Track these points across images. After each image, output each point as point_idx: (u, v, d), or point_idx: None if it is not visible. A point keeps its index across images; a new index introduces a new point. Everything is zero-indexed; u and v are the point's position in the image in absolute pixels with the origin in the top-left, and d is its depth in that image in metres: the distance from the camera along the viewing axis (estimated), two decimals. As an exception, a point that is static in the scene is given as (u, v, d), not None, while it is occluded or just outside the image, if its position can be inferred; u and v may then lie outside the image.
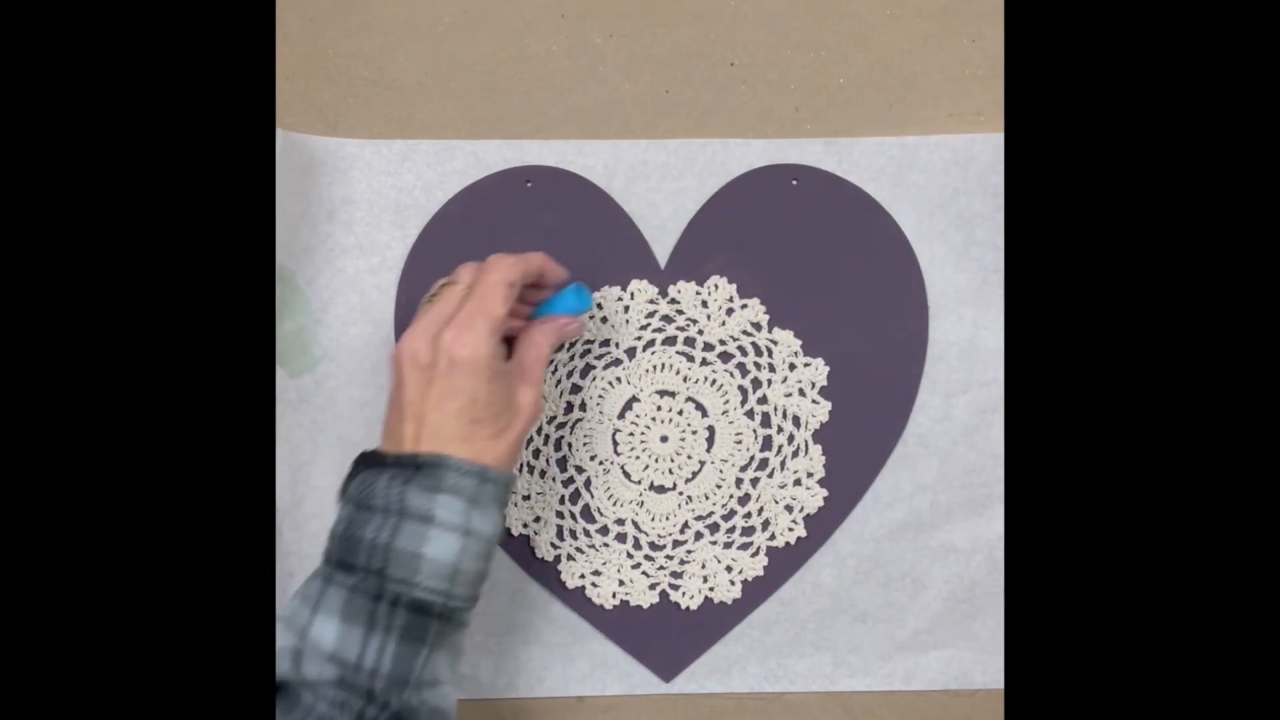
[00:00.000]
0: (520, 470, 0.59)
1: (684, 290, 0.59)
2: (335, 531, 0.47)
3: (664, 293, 0.59)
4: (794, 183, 0.59)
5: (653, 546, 0.59)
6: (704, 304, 0.59)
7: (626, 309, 0.59)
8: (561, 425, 0.59)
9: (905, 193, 0.59)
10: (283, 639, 0.45)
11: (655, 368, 0.59)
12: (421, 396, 0.47)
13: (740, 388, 0.59)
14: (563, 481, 0.59)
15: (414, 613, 0.45)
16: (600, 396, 0.59)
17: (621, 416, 0.59)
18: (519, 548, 0.59)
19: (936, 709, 0.60)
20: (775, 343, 0.59)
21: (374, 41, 0.59)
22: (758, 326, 0.59)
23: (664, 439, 0.59)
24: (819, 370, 0.59)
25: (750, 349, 0.59)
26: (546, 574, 0.59)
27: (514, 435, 0.49)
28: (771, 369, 0.59)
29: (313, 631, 0.45)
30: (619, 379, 0.59)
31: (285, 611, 0.46)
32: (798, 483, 0.59)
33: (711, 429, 0.59)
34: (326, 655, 0.44)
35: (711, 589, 0.59)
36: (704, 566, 0.59)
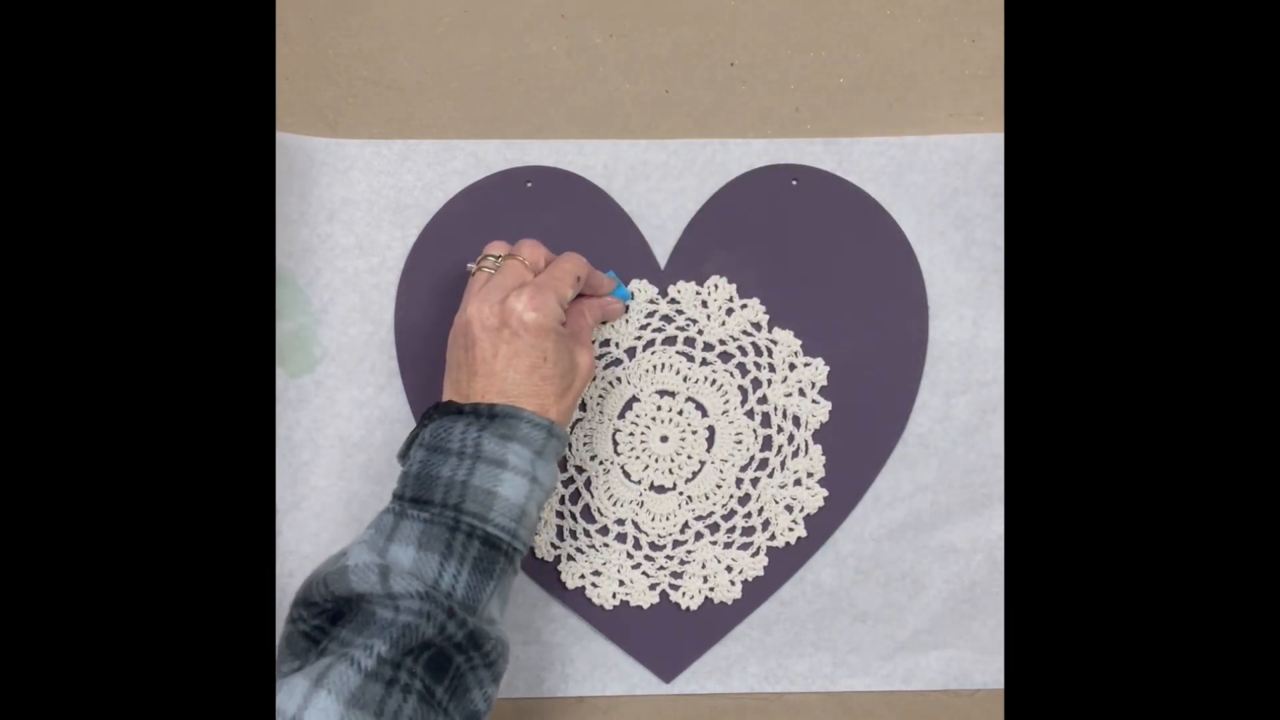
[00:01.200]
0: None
1: (684, 290, 0.59)
2: (409, 472, 0.49)
3: (664, 293, 0.59)
4: (794, 183, 0.59)
5: (653, 546, 0.59)
6: (704, 304, 0.59)
7: (626, 309, 0.59)
8: (561, 425, 0.59)
9: (905, 193, 0.59)
10: (364, 556, 0.47)
11: (655, 368, 0.59)
12: (494, 355, 0.50)
13: (740, 388, 0.59)
14: (563, 481, 0.59)
15: (486, 546, 0.47)
16: (600, 396, 0.59)
17: (621, 416, 0.59)
18: (519, 548, 0.59)
19: (936, 709, 0.60)
20: (775, 343, 0.59)
21: (374, 41, 0.59)
22: (758, 326, 0.59)
23: (664, 439, 0.59)
24: (819, 370, 0.59)
25: (750, 349, 0.59)
26: (546, 574, 0.59)
27: (574, 393, 0.53)
28: (771, 369, 0.59)
29: (389, 557, 0.47)
30: (619, 379, 0.59)
31: (363, 536, 0.48)
32: (798, 483, 0.59)
33: (711, 429, 0.59)
34: (407, 574, 0.46)
35: (711, 589, 0.59)
36: (704, 566, 0.59)
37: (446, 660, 0.46)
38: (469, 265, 0.55)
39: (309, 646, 0.46)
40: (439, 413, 0.50)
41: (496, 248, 0.54)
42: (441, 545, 0.47)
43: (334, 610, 0.47)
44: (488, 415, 0.49)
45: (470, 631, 0.46)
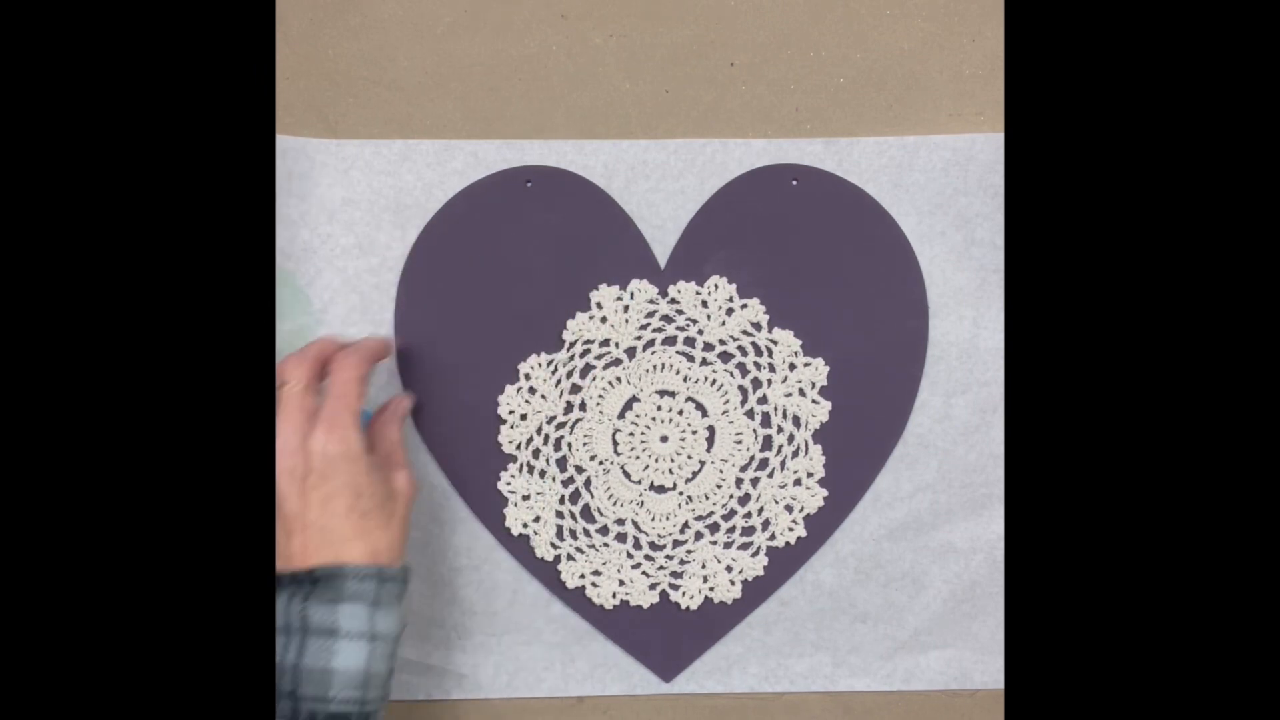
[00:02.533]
0: (520, 470, 0.59)
1: (684, 290, 0.59)
2: None
3: (664, 292, 0.59)
4: (794, 182, 0.59)
5: (653, 546, 0.59)
6: (704, 304, 0.59)
7: (626, 309, 0.59)
8: (561, 425, 0.59)
9: (905, 193, 0.59)
10: None
11: (655, 368, 0.59)
12: (305, 506, 0.48)
13: (740, 388, 0.59)
14: (563, 481, 0.59)
15: None
16: (600, 396, 0.59)
17: (621, 416, 0.59)
18: (519, 547, 0.59)
19: (936, 709, 0.60)
20: (775, 343, 0.59)
21: (374, 41, 0.59)
22: (758, 326, 0.59)
23: (664, 439, 0.59)
24: (819, 370, 0.59)
25: (750, 349, 0.59)
26: (546, 574, 0.59)
27: (400, 519, 0.50)
28: (771, 369, 0.59)
29: None
30: (619, 379, 0.59)
31: None
32: (798, 483, 0.59)
33: (711, 429, 0.59)
34: None
35: (711, 589, 0.59)
36: (704, 566, 0.59)
37: None
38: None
39: None
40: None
41: (292, 371, 0.50)
42: None
43: None
44: (309, 581, 0.47)
45: None
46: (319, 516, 0.48)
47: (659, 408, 0.59)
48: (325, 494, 0.48)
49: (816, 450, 0.59)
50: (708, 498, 0.59)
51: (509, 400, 0.59)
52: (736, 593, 0.59)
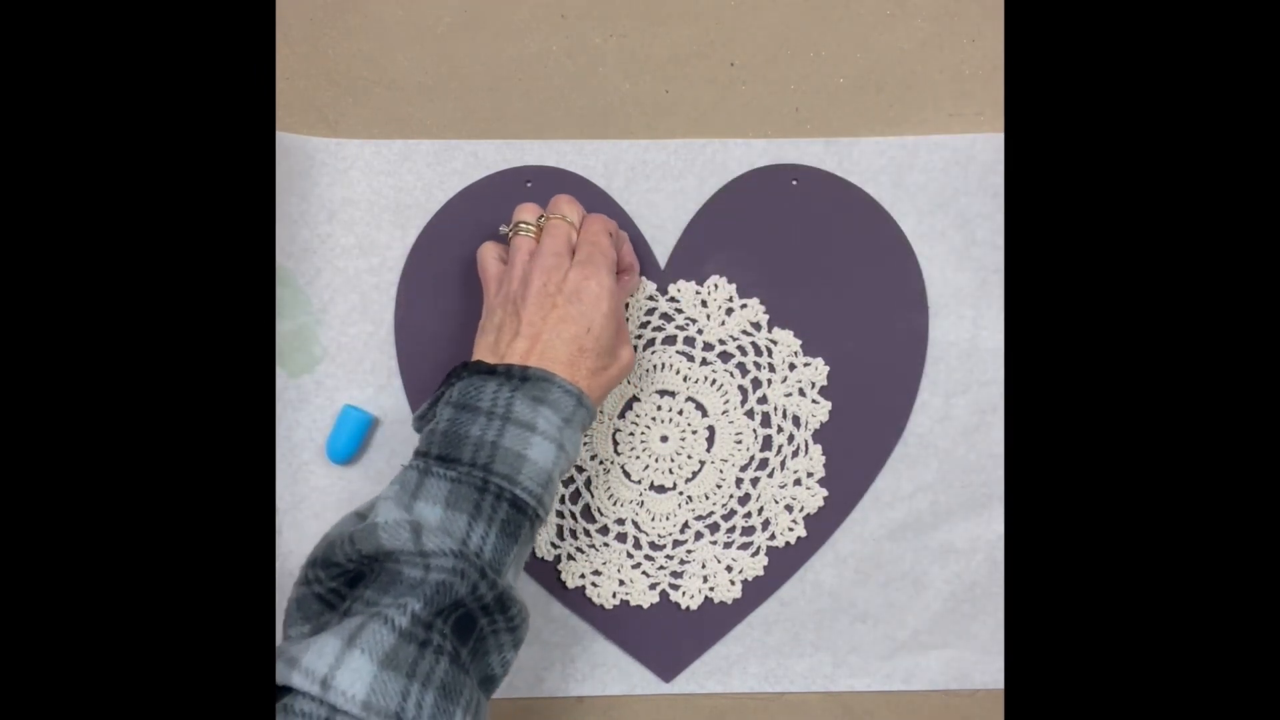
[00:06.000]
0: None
1: (684, 290, 0.59)
2: (435, 429, 0.48)
3: (664, 291, 0.59)
4: (794, 183, 0.59)
5: (653, 546, 0.59)
6: (704, 304, 0.59)
7: (626, 308, 0.59)
8: (561, 425, 0.59)
9: (905, 193, 0.59)
10: (393, 514, 0.46)
11: (655, 367, 0.59)
12: (543, 319, 0.50)
13: (740, 387, 0.59)
14: (563, 481, 0.59)
15: (514, 509, 0.47)
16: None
17: (621, 416, 0.59)
18: (519, 548, 0.59)
19: (936, 709, 0.60)
20: (775, 342, 0.59)
21: (374, 41, 0.59)
22: (757, 326, 0.59)
23: (664, 439, 0.59)
24: (819, 370, 0.59)
25: (750, 349, 0.59)
26: (546, 574, 0.59)
27: (609, 377, 0.52)
28: (771, 369, 0.59)
29: (415, 514, 0.46)
30: (619, 379, 0.59)
31: (387, 493, 0.47)
32: (798, 482, 0.59)
33: (711, 429, 0.59)
34: (438, 531, 0.45)
35: (711, 589, 0.59)
36: (704, 566, 0.59)
37: (473, 622, 0.45)
38: (502, 228, 0.55)
39: (322, 609, 0.45)
40: (468, 372, 0.50)
41: (529, 212, 0.54)
42: (470, 505, 0.46)
43: (354, 572, 0.45)
44: (520, 377, 0.48)
45: (499, 594, 0.45)
46: (550, 332, 0.50)
47: (659, 407, 0.59)
48: (563, 315, 0.50)
49: (816, 450, 0.59)
50: (708, 498, 0.59)
51: (509, 400, 0.58)
52: (736, 593, 0.59)
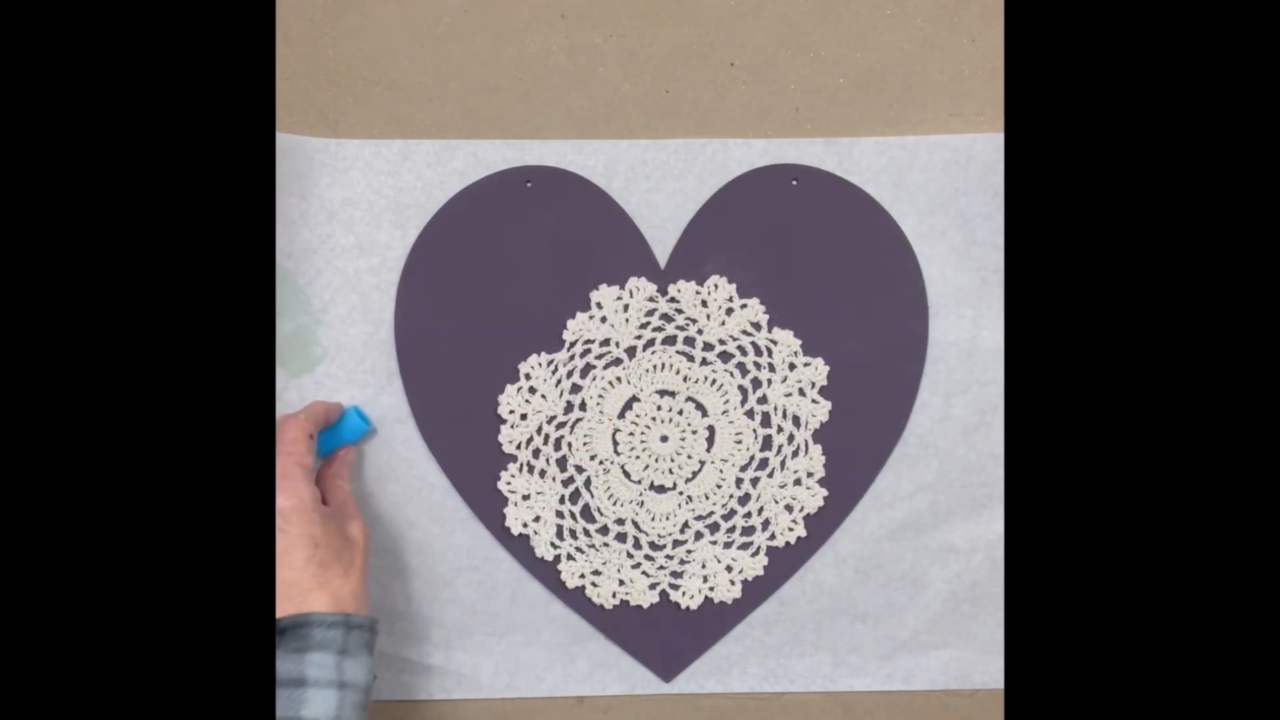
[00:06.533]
0: (520, 470, 0.59)
1: (684, 290, 0.59)
2: None
3: (664, 292, 0.59)
4: (794, 183, 0.59)
5: (653, 546, 0.59)
6: (704, 304, 0.59)
7: (626, 308, 0.59)
8: (561, 425, 0.59)
9: (905, 193, 0.59)
10: None
11: (655, 367, 0.59)
12: (279, 563, 0.49)
13: (740, 387, 0.59)
14: (563, 481, 0.59)
15: None
16: (600, 396, 0.59)
17: (621, 416, 0.59)
18: (519, 547, 0.59)
19: (936, 709, 0.60)
20: (775, 343, 0.59)
21: (374, 41, 0.59)
22: (757, 326, 0.59)
23: (664, 439, 0.59)
24: (819, 370, 0.59)
25: (750, 349, 0.59)
26: (546, 574, 0.59)
27: (359, 568, 0.51)
28: (771, 369, 0.59)
29: None
30: (619, 379, 0.59)
31: None
32: (798, 482, 0.59)
33: (711, 429, 0.59)
34: None
35: (711, 589, 0.59)
36: (704, 566, 0.59)
37: None
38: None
39: None
40: None
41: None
42: None
43: None
44: (277, 632, 0.47)
45: None
46: (281, 569, 0.48)
47: (659, 407, 0.59)
48: (283, 547, 0.49)
49: (816, 450, 0.59)
50: (708, 498, 0.59)
51: (509, 400, 0.59)
52: (736, 593, 0.59)
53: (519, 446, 0.59)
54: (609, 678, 0.59)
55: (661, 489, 0.59)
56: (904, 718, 0.60)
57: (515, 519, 0.59)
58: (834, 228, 0.59)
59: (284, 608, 0.48)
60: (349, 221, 0.59)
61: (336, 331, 0.59)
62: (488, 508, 0.59)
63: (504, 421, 0.59)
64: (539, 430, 0.59)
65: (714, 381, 0.59)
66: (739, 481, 0.59)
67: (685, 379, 0.59)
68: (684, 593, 0.59)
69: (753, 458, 0.59)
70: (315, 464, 0.54)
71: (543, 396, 0.58)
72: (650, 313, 0.59)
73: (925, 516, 0.59)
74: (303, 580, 0.48)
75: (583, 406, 0.59)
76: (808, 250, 0.59)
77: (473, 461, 0.59)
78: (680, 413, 0.59)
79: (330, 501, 0.53)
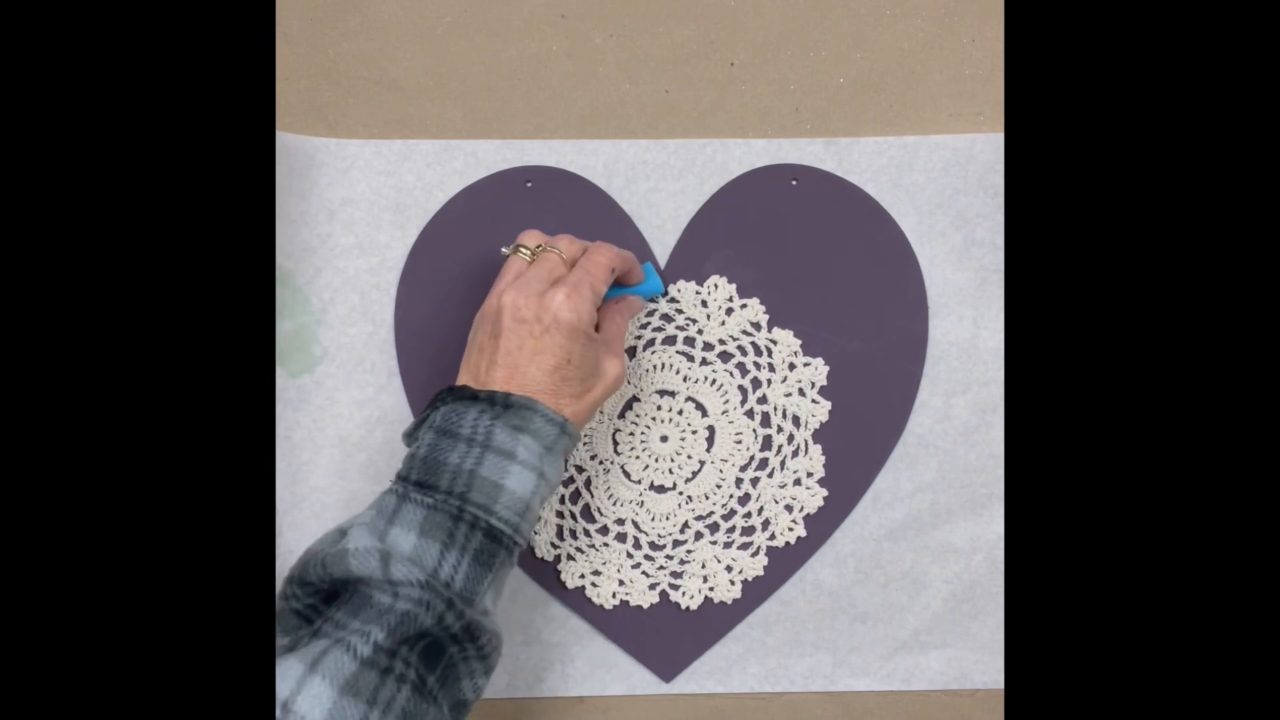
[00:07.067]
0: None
1: (684, 290, 0.59)
2: (416, 454, 0.48)
3: (664, 292, 0.59)
4: (794, 183, 0.59)
5: (653, 546, 0.59)
6: (704, 304, 0.59)
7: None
8: (561, 425, 0.59)
9: (905, 193, 0.59)
10: (369, 540, 0.46)
11: (655, 367, 0.59)
12: (519, 348, 0.50)
13: (740, 387, 0.59)
14: (563, 481, 0.59)
15: (488, 539, 0.47)
16: (600, 396, 0.59)
17: (621, 416, 0.59)
18: (519, 548, 0.59)
19: (936, 709, 0.60)
20: (775, 343, 0.59)
21: (374, 41, 0.59)
22: (757, 326, 0.59)
23: (664, 439, 0.59)
24: (819, 370, 0.59)
25: (750, 349, 0.59)
26: (546, 574, 0.59)
27: (594, 397, 0.52)
28: (771, 369, 0.59)
29: (388, 541, 0.46)
30: (619, 379, 0.59)
31: (362, 517, 0.47)
32: (798, 482, 0.59)
33: (711, 429, 0.59)
34: (407, 560, 0.45)
35: (711, 589, 0.59)
36: (704, 566, 0.59)
37: (441, 650, 0.45)
38: (503, 249, 0.54)
39: (300, 624, 0.46)
40: (452, 396, 0.49)
41: (531, 238, 0.53)
42: (443, 534, 0.46)
43: (329, 590, 0.46)
44: (503, 404, 0.48)
45: (467, 623, 0.46)
46: (527, 363, 0.49)
47: (659, 408, 0.59)
48: (541, 346, 0.49)
49: (816, 450, 0.59)
50: (708, 498, 0.59)
51: (509, 400, 0.59)
52: (736, 593, 0.59)
53: (519, 446, 0.59)
54: (609, 678, 0.59)
55: (661, 489, 0.59)
56: (904, 718, 0.60)
57: (515, 519, 0.59)
58: (834, 228, 0.59)
59: (513, 388, 0.49)
60: (349, 221, 0.59)
61: (336, 331, 0.59)
62: (488, 508, 0.59)
63: (504, 421, 0.59)
64: (539, 430, 0.59)
65: (714, 381, 0.59)
66: (739, 481, 0.59)
67: (685, 379, 0.59)
68: (684, 593, 0.59)
69: (753, 458, 0.59)
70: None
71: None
72: (650, 312, 0.59)
73: (925, 516, 0.59)
74: (541, 382, 0.49)
75: (583, 406, 0.59)
76: (808, 250, 0.59)
77: (473, 461, 0.59)
78: (680, 413, 0.59)
79: (603, 331, 0.54)
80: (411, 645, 0.44)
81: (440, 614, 0.45)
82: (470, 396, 0.49)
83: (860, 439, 0.59)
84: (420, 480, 0.47)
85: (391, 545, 0.46)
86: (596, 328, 0.53)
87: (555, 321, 0.49)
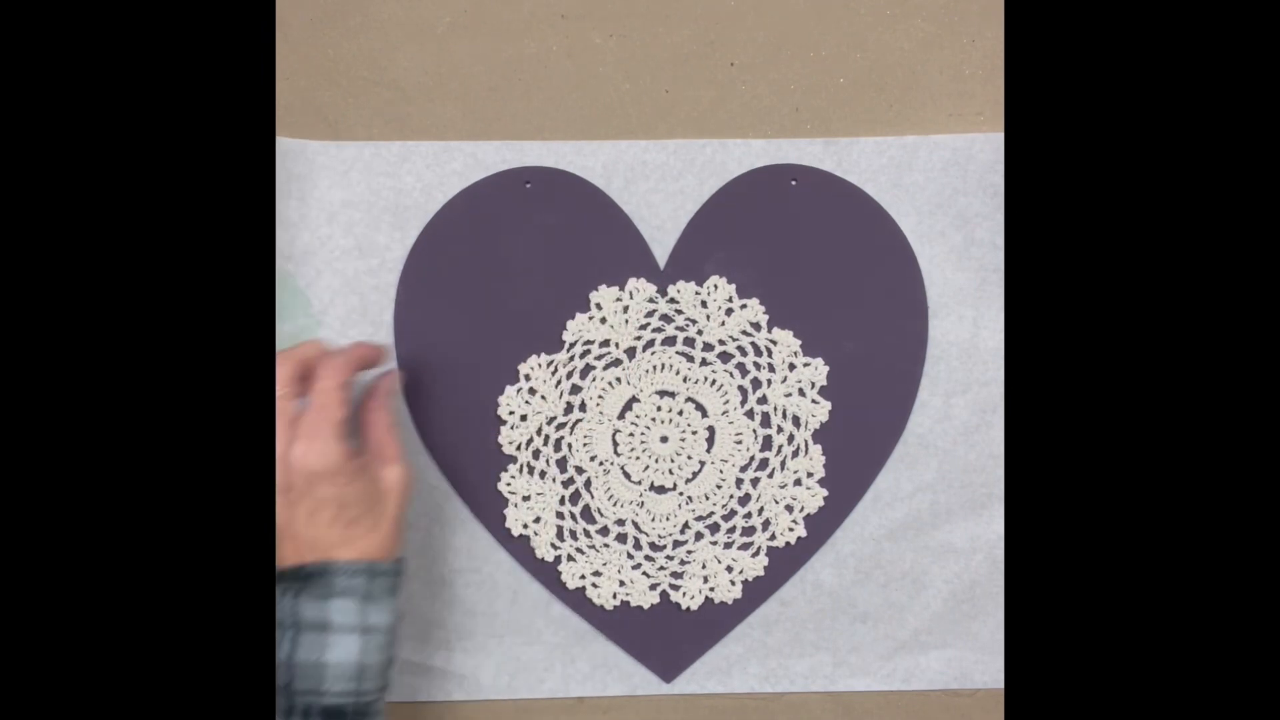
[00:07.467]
0: (520, 471, 0.59)
1: (683, 290, 0.59)
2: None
3: (663, 292, 0.59)
4: (793, 183, 0.59)
5: (653, 547, 0.59)
6: (703, 304, 0.59)
7: (626, 309, 0.59)
8: (561, 425, 0.59)
9: (905, 193, 0.59)
10: None
11: (655, 368, 0.59)
12: (291, 518, 0.48)
13: (740, 388, 0.59)
14: (563, 482, 0.59)
15: (327, 718, 0.46)
16: (600, 396, 0.59)
17: (621, 417, 0.59)
18: (519, 548, 0.59)
19: (936, 709, 0.60)
20: (775, 343, 0.59)
21: (374, 42, 0.59)
22: (757, 326, 0.59)
23: (664, 439, 0.59)
24: (819, 370, 0.59)
25: (750, 349, 0.59)
26: (546, 574, 0.59)
27: (391, 520, 0.50)
28: (771, 369, 0.59)
29: None
30: (619, 379, 0.59)
31: None
32: (798, 483, 0.59)
33: (711, 429, 0.59)
34: None
35: (712, 589, 0.59)
36: (704, 567, 0.59)
37: None
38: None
39: None
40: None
41: (284, 385, 0.50)
42: None
43: None
44: (300, 577, 0.47)
45: None
46: (305, 528, 0.48)
47: (659, 408, 0.59)
48: (309, 508, 0.48)
49: (816, 450, 0.59)
50: (708, 498, 0.59)
51: (509, 401, 0.59)
52: (737, 593, 0.59)
53: (519, 447, 0.59)
54: (609, 678, 0.59)
55: (661, 489, 0.59)
56: (904, 718, 0.60)
57: (515, 520, 0.59)
58: (833, 228, 0.59)
59: (309, 556, 0.48)
60: (348, 223, 0.59)
61: (336, 333, 0.59)
62: (488, 509, 0.59)
63: (504, 422, 0.59)
64: (539, 431, 0.59)
65: (714, 382, 0.59)
66: (739, 482, 0.59)
67: (685, 379, 0.59)
68: (684, 593, 0.59)
69: (753, 458, 0.59)
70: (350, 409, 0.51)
71: (542, 397, 0.58)
72: (650, 313, 0.59)
73: (925, 516, 0.59)
74: (329, 538, 0.48)
75: (583, 407, 0.59)
76: (807, 250, 0.59)
77: (473, 462, 0.59)
78: (680, 413, 0.59)
79: (367, 441, 0.51)
80: None
81: None
82: (279, 579, 0.48)
83: (860, 439, 0.59)
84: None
85: None
86: (359, 444, 0.51)
87: (307, 478, 0.47)
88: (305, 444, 0.48)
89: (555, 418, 0.59)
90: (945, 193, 0.59)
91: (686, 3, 0.59)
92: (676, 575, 0.59)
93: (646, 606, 0.59)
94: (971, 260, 0.59)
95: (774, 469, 0.59)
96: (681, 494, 0.59)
